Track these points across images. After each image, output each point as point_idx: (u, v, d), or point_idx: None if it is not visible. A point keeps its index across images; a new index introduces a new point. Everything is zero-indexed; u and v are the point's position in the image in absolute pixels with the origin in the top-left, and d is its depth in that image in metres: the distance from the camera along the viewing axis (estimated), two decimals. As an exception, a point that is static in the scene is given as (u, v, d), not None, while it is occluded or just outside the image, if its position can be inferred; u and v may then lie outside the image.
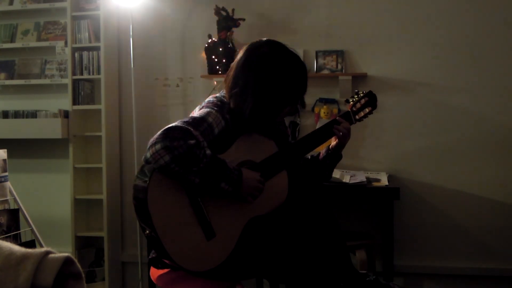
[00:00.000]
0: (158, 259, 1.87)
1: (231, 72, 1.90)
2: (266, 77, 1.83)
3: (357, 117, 2.08)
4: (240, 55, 1.90)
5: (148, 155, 1.66)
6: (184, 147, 1.65)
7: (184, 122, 1.74)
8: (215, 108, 1.83)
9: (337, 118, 2.04)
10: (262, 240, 1.81)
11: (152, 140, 1.67)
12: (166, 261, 1.83)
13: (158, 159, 1.64)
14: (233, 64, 1.91)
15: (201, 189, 1.74)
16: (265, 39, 1.92)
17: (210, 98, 1.92)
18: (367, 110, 2.09)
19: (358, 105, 2.09)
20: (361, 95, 2.10)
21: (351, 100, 2.11)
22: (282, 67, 1.86)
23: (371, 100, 2.10)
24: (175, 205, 1.72)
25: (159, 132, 1.68)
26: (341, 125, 2.00)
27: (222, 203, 1.79)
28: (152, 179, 1.68)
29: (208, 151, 1.71)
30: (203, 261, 1.74)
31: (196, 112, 1.86)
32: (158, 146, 1.64)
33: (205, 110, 1.83)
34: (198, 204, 1.75)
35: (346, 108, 2.21)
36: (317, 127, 3.32)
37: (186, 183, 1.71)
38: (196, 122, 1.75)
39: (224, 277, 1.82)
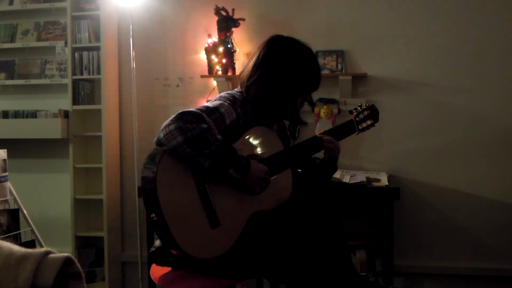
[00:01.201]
0: (159, 253, 1.88)
1: (251, 62, 1.99)
2: (289, 64, 1.95)
3: (360, 127, 2.13)
4: (261, 47, 2.00)
5: (161, 135, 1.72)
6: (197, 129, 1.70)
7: (198, 109, 1.80)
8: (228, 102, 1.89)
9: (318, 135, 2.07)
10: (265, 236, 1.82)
11: (166, 122, 1.74)
12: (173, 252, 1.84)
13: (171, 139, 1.69)
14: (253, 56, 2.00)
15: (209, 175, 1.76)
16: (285, 34, 2.04)
17: (223, 94, 1.98)
18: (369, 122, 2.14)
19: (361, 115, 2.14)
20: (364, 107, 2.16)
21: (354, 111, 2.16)
22: (302, 56, 1.99)
23: (373, 113, 2.15)
24: (182, 190, 1.74)
25: (173, 115, 1.75)
26: (325, 139, 2.03)
27: (228, 194, 1.82)
28: (160, 164, 1.71)
29: (219, 136, 1.76)
30: (206, 249, 1.75)
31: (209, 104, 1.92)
32: (172, 127, 1.70)
33: (217, 102, 1.89)
34: (205, 191, 1.77)
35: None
36: (317, 127, 3.32)
37: (196, 166, 1.74)
38: (209, 110, 1.81)
39: (225, 271, 1.82)
